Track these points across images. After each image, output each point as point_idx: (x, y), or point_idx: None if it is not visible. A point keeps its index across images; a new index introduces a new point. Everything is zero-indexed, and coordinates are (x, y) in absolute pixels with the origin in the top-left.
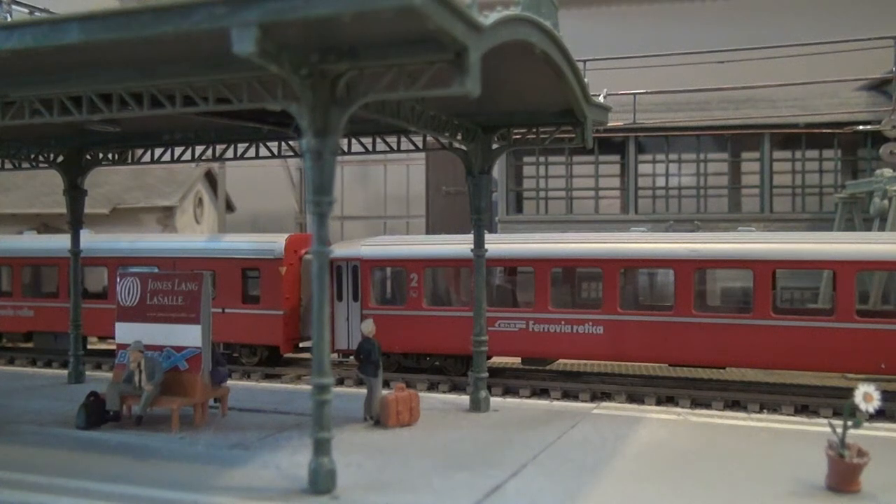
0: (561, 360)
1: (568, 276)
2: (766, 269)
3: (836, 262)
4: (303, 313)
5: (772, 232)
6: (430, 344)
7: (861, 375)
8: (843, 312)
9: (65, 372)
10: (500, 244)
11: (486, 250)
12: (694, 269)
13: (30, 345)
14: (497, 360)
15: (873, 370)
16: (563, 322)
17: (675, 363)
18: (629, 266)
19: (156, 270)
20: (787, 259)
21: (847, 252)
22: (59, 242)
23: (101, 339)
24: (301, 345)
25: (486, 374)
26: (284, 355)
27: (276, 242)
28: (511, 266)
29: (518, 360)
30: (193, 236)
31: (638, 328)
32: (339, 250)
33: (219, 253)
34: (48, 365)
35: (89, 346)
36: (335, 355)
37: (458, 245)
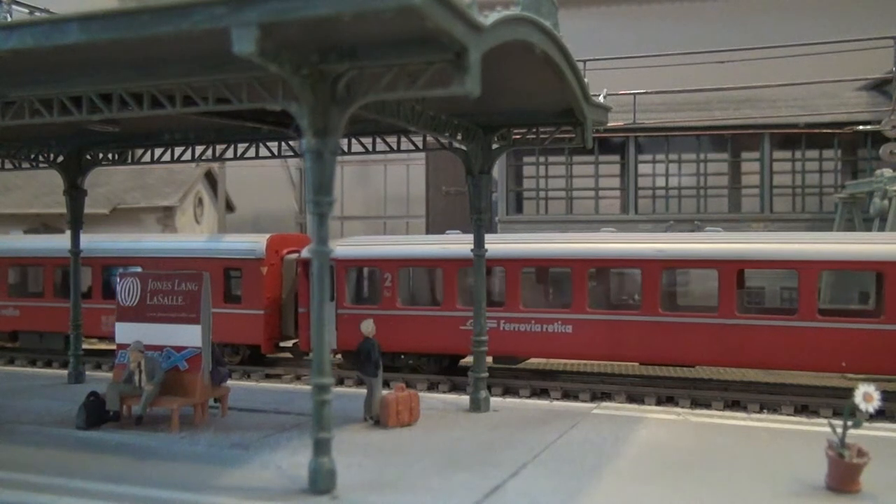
0: (561, 361)
1: (538, 276)
2: (731, 268)
3: (799, 262)
4: (283, 313)
5: (738, 232)
6: (404, 343)
7: (825, 374)
8: (805, 311)
9: (65, 372)
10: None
11: (486, 250)
12: (661, 269)
13: (16, 344)
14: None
15: (836, 369)
16: (532, 321)
17: (643, 362)
18: (598, 266)
19: (139, 270)
20: (752, 259)
21: (809, 252)
22: (44, 243)
23: (86, 338)
24: (281, 344)
25: (486, 374)
26: (266, 354)
27: (257, 243)
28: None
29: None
30: (176, 236)
31: (606, 327)
32: None
33: (201, 253)
34: (48, 365)
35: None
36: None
37: (430, 245)
